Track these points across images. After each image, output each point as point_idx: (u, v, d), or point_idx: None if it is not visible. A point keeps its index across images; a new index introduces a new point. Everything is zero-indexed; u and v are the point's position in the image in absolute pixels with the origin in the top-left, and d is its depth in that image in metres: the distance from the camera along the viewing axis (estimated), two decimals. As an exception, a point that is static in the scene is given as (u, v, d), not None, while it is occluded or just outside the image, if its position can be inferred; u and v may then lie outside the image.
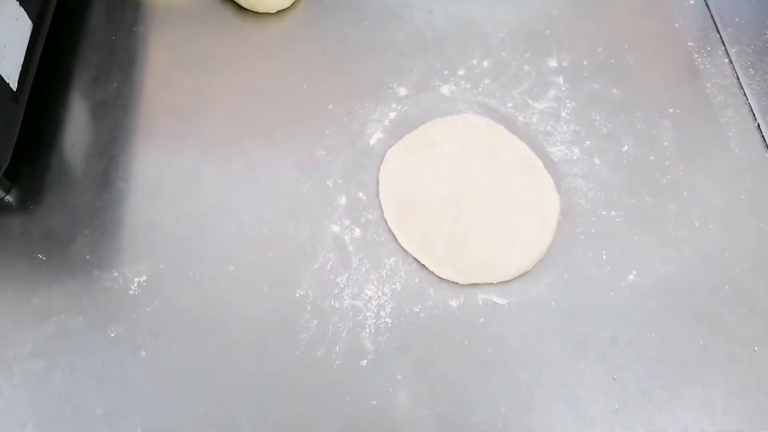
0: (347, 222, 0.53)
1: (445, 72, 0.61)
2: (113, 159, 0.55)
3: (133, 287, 0.49)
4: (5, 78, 0.49)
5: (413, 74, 0.60)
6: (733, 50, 0.63)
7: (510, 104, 0.59)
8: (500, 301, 0.50)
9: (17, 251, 0.51)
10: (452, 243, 0.51)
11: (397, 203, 0.53)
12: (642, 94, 0.60)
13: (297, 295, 0.50)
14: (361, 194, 0.54)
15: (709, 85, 0.61)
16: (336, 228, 0.52)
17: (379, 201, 0.53)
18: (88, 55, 0.60)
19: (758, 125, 0.59)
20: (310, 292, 0.50)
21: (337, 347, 0.48)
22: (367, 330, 0.48)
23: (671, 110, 0.59)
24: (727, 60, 0.62)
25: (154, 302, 0.49)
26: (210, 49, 0.61)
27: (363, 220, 0.53)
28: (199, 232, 0.52)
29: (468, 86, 0.60)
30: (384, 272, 0.51)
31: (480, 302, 0.50)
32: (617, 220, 0.54)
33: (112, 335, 0.48)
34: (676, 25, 0.65)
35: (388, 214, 0.53)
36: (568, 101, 0.59)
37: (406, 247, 0.51)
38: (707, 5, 0.66)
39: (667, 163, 0.57)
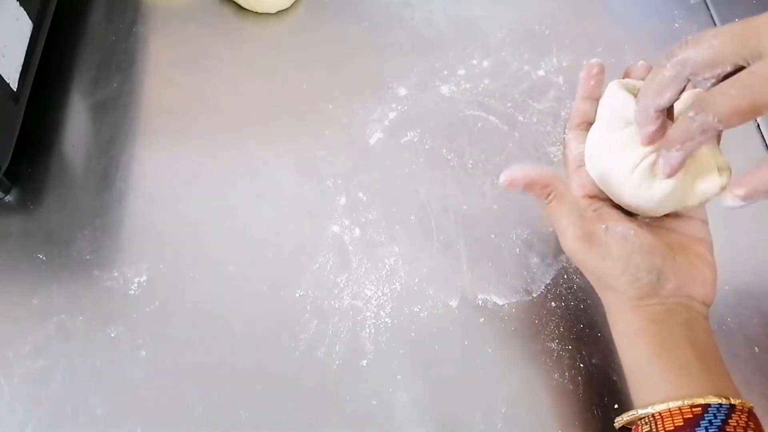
0: (347, 222, 0.53)
1: (445, 72, 0.61)
2: (113, 159, 0.55)
3: (133, 287, 0.49)
4: (5, 78, 0.49)
5: (413, 74, 0.60)
6: (733, 50, 0.62)
7: (510, 104, 0.59)
8: (500, 301, 0.50)
9: (17, 251, 0.51)
10: None
11: None
12: (642, 94, 0.60)
13: (297, 295, 0.50)
14: (360, 194, 0.54)
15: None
16: (336, 228, 0.52)
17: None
18: (88, 55, 0.60)
19: (758, 125, 0.59)
20: (309, 292, 0.50)
21: (337, 347, 0.48)
22: (367, 330, 0.48)
23: (671, 110, 0.59)
24: (727, 60, 0.62)
25: (154, 302, 0.49)
26: (210, 49, 0.61)
27: (363, 220, 0.53)
28: (199, 232, 0.52)
29: (468, 86, 0.60)
30: (384, 272, 0.51)
31: (480, 302, 0.50)
32: (617, 220, 0.54)
33: (112, 335, 0.48)
34: (676, 25, 0.65)
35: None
36: (568, 101, 0.59)
37: None
38: (707, 5, 0.66)
39: (667, 163, 0.57)
